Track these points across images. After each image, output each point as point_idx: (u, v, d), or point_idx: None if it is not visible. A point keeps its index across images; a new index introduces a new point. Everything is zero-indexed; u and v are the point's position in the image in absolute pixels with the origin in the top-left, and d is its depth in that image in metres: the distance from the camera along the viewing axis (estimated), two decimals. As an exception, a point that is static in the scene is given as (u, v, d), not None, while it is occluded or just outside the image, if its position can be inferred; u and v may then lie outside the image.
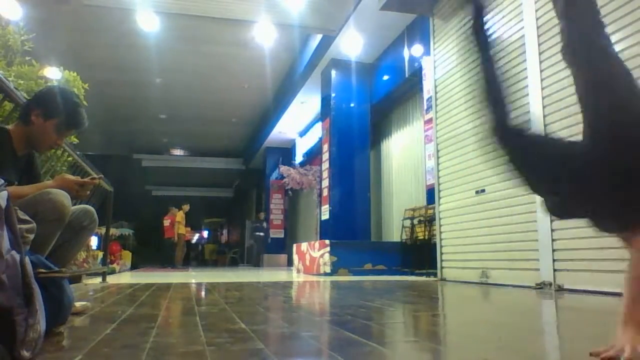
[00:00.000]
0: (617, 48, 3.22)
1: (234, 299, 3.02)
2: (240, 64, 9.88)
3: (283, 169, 11.86)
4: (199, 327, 1.69)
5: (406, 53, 6.99)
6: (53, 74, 4.15)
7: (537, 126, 3.77)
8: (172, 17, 7.59)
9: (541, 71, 3.82)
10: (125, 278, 6.33)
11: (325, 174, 8.42)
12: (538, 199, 3.91)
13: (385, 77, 7.89)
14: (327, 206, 8.11)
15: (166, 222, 12.25)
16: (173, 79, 10.84)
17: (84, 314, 2.08)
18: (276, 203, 14.89)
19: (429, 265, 5.75)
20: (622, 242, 1.13)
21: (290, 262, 11.28)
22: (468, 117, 4.82)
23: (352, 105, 8.34)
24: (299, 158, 12.66)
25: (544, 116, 3.74)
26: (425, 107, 6.29)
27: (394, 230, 7.82)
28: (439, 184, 5.29)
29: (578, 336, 1.54)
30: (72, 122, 2.11)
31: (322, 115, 8.91)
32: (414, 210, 6.80)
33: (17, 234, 1.22)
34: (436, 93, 5.48)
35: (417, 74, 6.70)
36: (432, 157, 5.64)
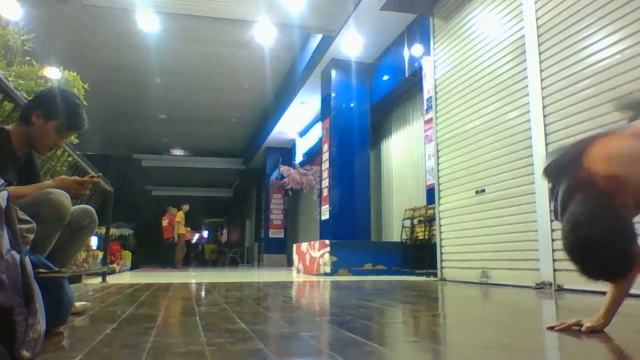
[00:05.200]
0: (617, 48, 3.23)
1: (234, 299, 3.02)
2: (240, 64, 9.88)
3: (283, 169, 11.86)
4: (199, 327, 1.69)
5: (406, 53, 6.99)
6: (53, 74, 4.14)
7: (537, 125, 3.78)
8: (172, 17, 7.59)
9: (541, 71, 3.82)
10: (125, 278, 6.33)
11: (325, 174, 8.42)
12: (538, 198, 3.91)
13: (385, 77, 7.89)
14: (327, 206, 8.11)
15: (165, 222, 12.25)
16: (173, 79, 10.84)
17: (84, 314, 2.08)
18: (276, 203, 14.89)
19: (429, 265, 5.75)
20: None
21: (290, 262, 11.28)
22: (468, 117, 4.82)
23: (352, 105, 8.34)
24: (299, 158, 12.66)
25: (544, 116, 3.74)
26: (425, 107, 6.29)
27: (394, 230, 7.83)
28: (439, 184, 5.29)
29: (578, 336, 1.54)
30: (73, 124, 2.11)
31: (322, 115, 8.91)
32: (414, 210, 6.80)
33: (17, 234, 1.22)
34: (436, 93, 5.48)
35: (417, 74, 6.70)
36: (432, 157, 5.64)
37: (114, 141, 16.02)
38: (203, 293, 3.66)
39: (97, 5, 6.92)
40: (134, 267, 12.17)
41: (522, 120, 4.01)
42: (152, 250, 15.74)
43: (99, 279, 5.10)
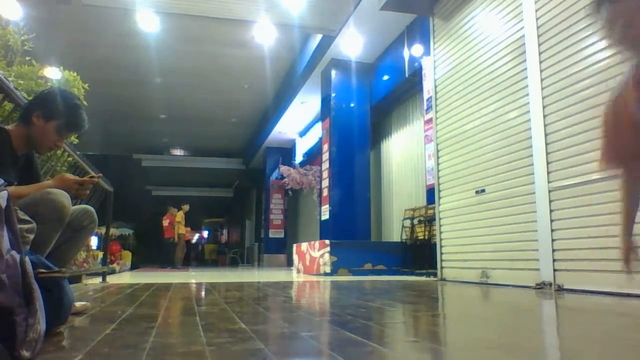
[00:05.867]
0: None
1: (234, 299, 3.02)
2: (240, 64, 9.89)
3: (283, 169, 11.86)
4: (199, 327, 1.69)
5: (406, 53, 6.99)
6: (53, 74, 4.15)
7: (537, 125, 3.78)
8: (172, 17, 7.59)
9: (541, 71, 3.82)
10: (125, 278, 6.33)
11: (325, 174, 8.42)
12: (538, 198, 3.89)
13: (385, 77, 7.89)
14: (327, 206, 8.11)
15: (165, 222, 12.26)
16: (173, 79, 10.84)
17: (84, 314, 2.08)
18: (276, 203, 14.89)
19: (429, 265, 5.75)
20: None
21: (290, 262, 11.28)
22: (468, 117, 4.82)
23: (352, 105, 8.34)
24: (299, 158, 12.67)
25: (544, 116, 3.74)
26: (425, 107, 6.29)
27: (394, 230, 7.83)
28: (439, 184, 5.29)
29: (577, 336, 1.54)
30: (73, 124, 2.11)
31: (322, 115, 8.91)
32: (414, 210, 6.80)
33: (17, 234, 1.22)
34: (436, 93, 5.48)
35: (417, 74, 6.70)
36: (432, 157, 5.64)
37: (114, 141, 16.02)
38: (203, 293, 3.66)
39: (97, 5, 6.92)
40: (134, 267, 12.18)
41: (522, 120, 4.01)
42: (152, 250, 15.74)
43: (99, 279, 5.10)
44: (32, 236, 1.51)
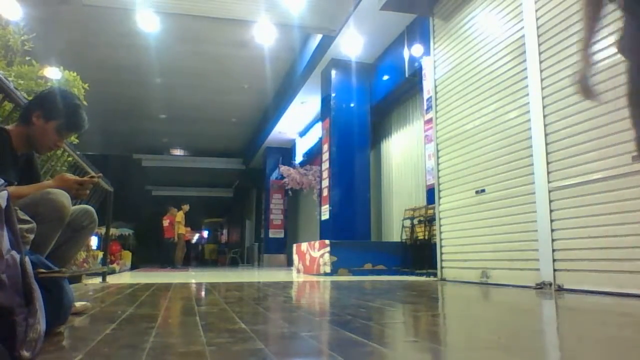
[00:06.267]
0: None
1: (234, 299, 3.02)
2: (240, 64, 9.89)
3: (283, 169, 11.86)
4: (199, 327, 1.69)
5: (406, 53, 6.99)
6: (53, 74, 4.15)
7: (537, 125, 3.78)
8: (172, 17, 7.60)
9: (541, 71, 3.82)
10: (125, 278, 6.33)
11: (325, 174, 8.42)
12: (538, 198, 3.89)
13: (385, 77, 7.90)
14: (327, 206, 8.11)
15: (165, 222, 12.26)
16: (173, 79, 10.84)
17: (84, 314, 2.08)
18: (276, 203, 14.89)
19: (429, 265, 5.75)
20: None
21: (290, 262, 11.28)
22: (468, 117, 4.82)
23: (352, 105, 8.34)
24: (299, 158, 12.67)
25: (544, 116, 3.74)
26: (425, 107, 6.29)
27: (394, 230, 7.83)
28: (439, 184, 5.29)
29: (577, 336, 1.54)
30: (73, 124, 2.11)
31: (322, 115, 8.91)
32: (414, 210, 6.80)
33: (17, 234, 1.22)
34: (436, 93, 5.48)
35: (417, 74, 6.70)
36: (432, 157, 5.64)
37: (114, 141, 16.02)
38: (203, 293, 3.66)
39: (97, 5, 6.92)
40: (134, 267, 12.18)
41: (522, 120, 4.01)
42: (152, 250, 15.75)
43: (99, 279, 5.10)
44: (32, 236, 1.51)
